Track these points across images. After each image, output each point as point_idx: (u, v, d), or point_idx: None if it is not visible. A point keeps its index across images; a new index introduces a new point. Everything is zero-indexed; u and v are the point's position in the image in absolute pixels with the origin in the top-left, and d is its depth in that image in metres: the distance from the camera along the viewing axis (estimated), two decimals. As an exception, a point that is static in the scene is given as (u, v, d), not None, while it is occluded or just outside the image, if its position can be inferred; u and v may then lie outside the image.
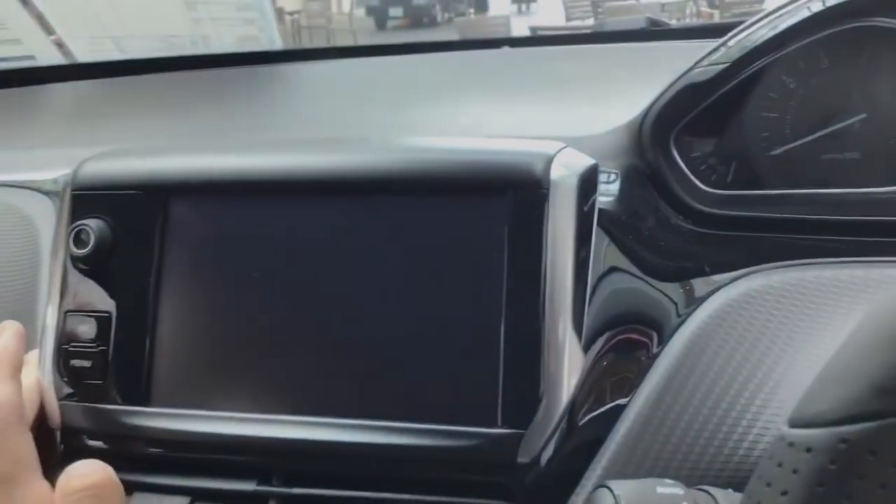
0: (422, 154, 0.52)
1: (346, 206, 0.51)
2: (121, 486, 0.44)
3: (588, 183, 0.51)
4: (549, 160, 0.49)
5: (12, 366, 0.47)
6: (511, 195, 0.49)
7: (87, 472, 0.43)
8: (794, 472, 0.25)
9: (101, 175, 0.55)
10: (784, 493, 0.25)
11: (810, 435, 0.25)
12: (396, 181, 0.51)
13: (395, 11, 10.79)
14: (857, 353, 0.26)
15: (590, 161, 0.52)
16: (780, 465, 0.26)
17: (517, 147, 0.51)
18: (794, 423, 0.26)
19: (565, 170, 0.49)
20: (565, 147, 0.51)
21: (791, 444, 0.26)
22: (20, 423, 0.45)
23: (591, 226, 0.51)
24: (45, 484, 0.43)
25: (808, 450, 0.25)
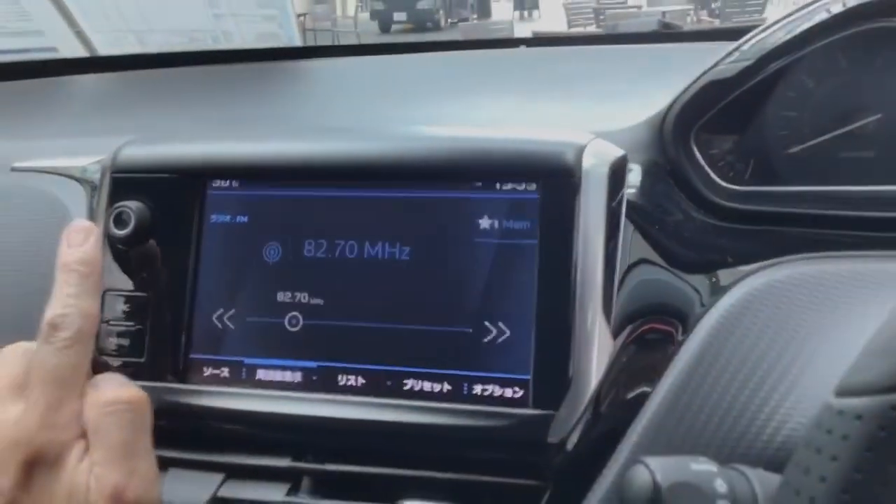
0: (455, 143, 0.53)
1: (379, 193, 0.53)
2: (151, 409, 0.44)
3: (618, 173, 0.52)
4: (581, 149, 0.51)
5: (98, 278, 0.47)
6: (542, 183, 0.50)
7: (122, 385, 0.44)
8: (844, 438, 0.26)
9: (140, 158, 0.56)
10: (834, 458, 0.26)
11: (860, 403, 0.26)
12: (431, 168, 0.52)
13: (400, 16, 10.80)
14: (903, 326, 0.27)
15: (620, 151, 0.53)
16: (829, 432, 0.27)
17: (548, 136, 0.52)
18: (841, 393, 0.28)
19: (596, 159, 0.51)
20: (595, 137, 0.53)
21: (840, 413, 0.27)
22: (93, 336, 0.45)
23: (621, 216, 0.52)
24: (81, 394, 0.44)
25: (858, 417, 0.26)
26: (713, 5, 9.05)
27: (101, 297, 0.47)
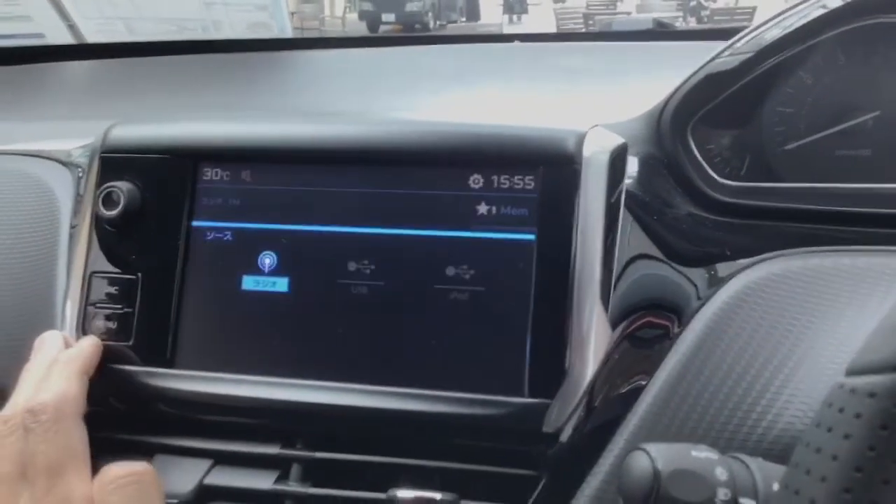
0: (455, 128, 0.52)
1: (376, 177, 0.52)
2: (160, 481, 0.44)
3: (618, 161, 0.51)
4: (582, 137, 0.50)
5: (84, 365, 0.48)
6: (542, 171, 0.49)
7: (128, 464, 0.43)
8: (857, 416, 0.26)
9: (131, 139, 0.55)
10: (847, 436, 0.26)
11: (873, 381, 0.26)
12: (431, 154, 0.51)
13: (388, 17, 10.79)
14: (918, 303, 0.26)
15: (620, 140, 0.53)
16: (841, 410, 0.26)
17: (549, 124, 0.52)
18: (853, 371, 0.27)
19: (597, 147, 0.50)
20: (596, 125, 0.52)
21: (853, 391, 0.26)
22: (78, 417, 0.45)
23: (620, 204, 0.52)
24: (89, 477, 0.43)
25: (872, 395, 0.25)
26: (702, 13, 9.13)
27: (84, 380, 0.48)
